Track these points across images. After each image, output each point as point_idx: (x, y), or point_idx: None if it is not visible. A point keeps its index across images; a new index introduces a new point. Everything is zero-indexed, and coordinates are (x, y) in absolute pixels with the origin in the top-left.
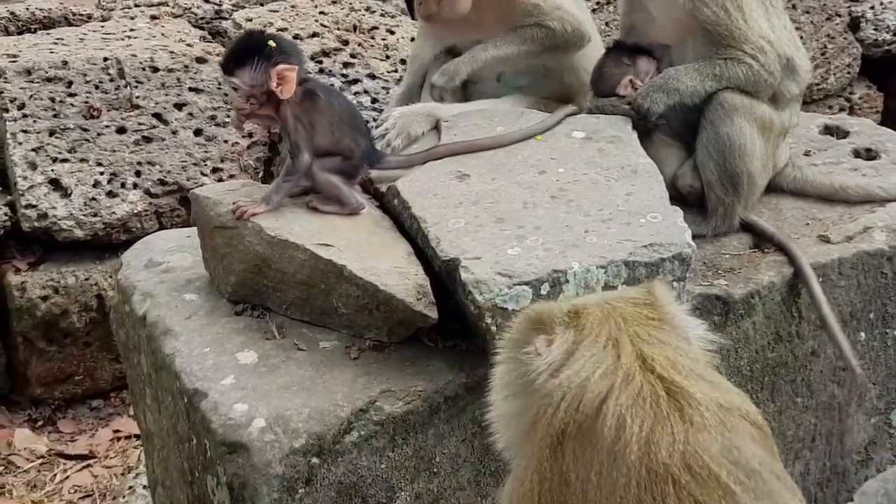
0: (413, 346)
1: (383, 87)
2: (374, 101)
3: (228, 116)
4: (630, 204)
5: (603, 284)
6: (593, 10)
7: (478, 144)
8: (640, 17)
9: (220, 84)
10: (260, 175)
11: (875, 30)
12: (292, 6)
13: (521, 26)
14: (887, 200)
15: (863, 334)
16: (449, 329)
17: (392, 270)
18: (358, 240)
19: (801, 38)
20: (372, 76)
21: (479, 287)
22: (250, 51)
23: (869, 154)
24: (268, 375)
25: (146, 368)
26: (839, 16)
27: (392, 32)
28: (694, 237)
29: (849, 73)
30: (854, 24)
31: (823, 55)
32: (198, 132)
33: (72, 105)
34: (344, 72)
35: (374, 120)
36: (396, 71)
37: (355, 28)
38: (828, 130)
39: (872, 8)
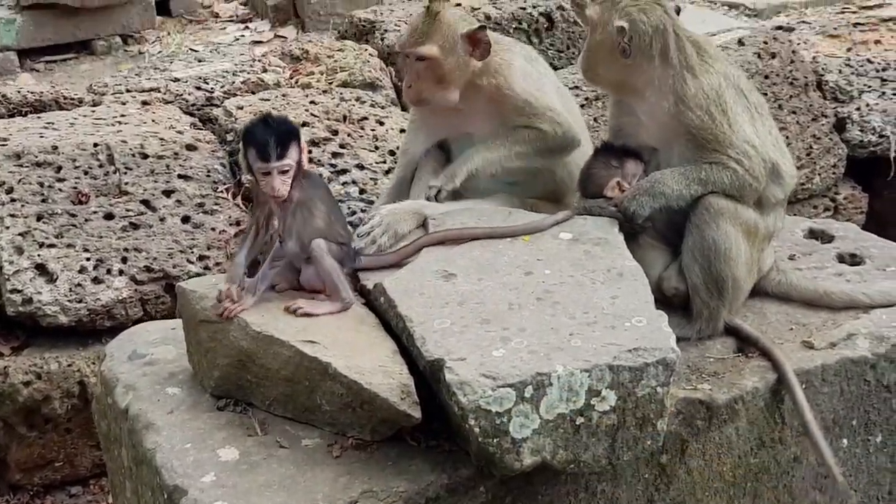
0: (396, 445)
1: (371, 178)
2: (362, 191)
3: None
4: (615, 307)
5: (587, 388)
6: (582, 106)
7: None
8: (627, 120)
9: (208, 172)
10: None
11: (861, 131)
12: (283, 95)
13: (513, 127)
14: (871, 307)
15: (845, 441)
16: (432, 429)
17: (377, 369)
18: (343, 337)
19: (787, 138)
20: (360, 167)
21: (463, 388)
22: (287, 129)
23: (853, 259)
24: (249, 473)
25: (127, 462)
26: (825, 117)
27: (382, 123)
28: (678, 340)
29: (834, 173)
30: (840, 126)
31: (809, 155)
32: (185, 219)
33: (60, 190)
34: (333, 161)
35: (363, 211)
36: (385, 162)
37: (345, 118)
38: (813, 234)
39: (858, 109)
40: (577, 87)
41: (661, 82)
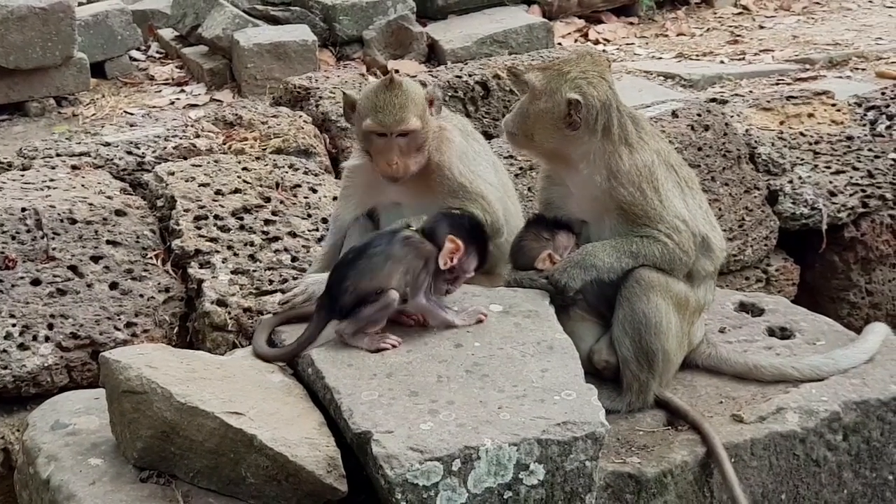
0: None
1: (304, 246)
2: (294, 259)
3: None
4: (545, 380)
5: (515, 462)
6: (516, 175)
7: None
8: (558, 192)
9: (138, 237)
10: (175, 330)
11: (793, 203)
12: (216, 161)
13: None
14: (800, 381)
15: None
16: (359, 502)
17: (303, 441)
18: (269, 408)
19: (720, 209)
20: (293, 234)
21: (389, 462)
22: None
23: (783, 333)
24: None
25: None
26: (757, 189)
27: (314, 191)
28: (608, 412)
29: (766, 245)
30: (772, 198)
31: (741, 227)
32: (113, 286)
33: None
34: (265, 229)
35: (294, 279)
36: (318, 229)
37: (278, 185)
38: (743, 308)
39: (791, 182)
40: (510, 157)
41: (596, 156)
